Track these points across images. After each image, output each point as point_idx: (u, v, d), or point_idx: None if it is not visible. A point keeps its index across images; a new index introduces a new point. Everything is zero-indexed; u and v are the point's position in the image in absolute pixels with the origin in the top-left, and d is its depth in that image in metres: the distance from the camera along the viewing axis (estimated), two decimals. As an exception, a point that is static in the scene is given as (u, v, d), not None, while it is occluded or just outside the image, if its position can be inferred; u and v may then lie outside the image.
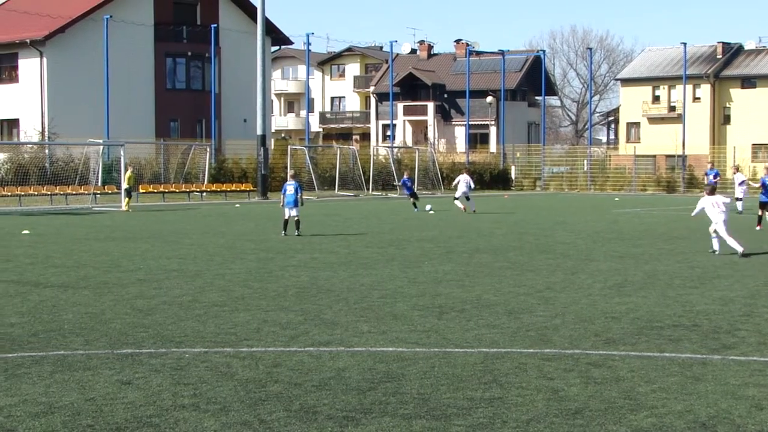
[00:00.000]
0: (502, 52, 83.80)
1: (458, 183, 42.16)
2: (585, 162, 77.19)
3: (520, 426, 8.40)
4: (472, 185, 43.56)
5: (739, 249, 22.48)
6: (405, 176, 47.35)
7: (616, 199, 58.82)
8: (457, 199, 41.87)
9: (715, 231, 22.99)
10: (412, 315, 14.06)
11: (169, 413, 8.71)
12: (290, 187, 28.27)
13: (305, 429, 8.28)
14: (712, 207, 22.93)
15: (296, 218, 28.20)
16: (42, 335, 12.39)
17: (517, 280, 18.17)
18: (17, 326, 13.03)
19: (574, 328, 13.08)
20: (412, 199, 43.84)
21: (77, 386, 9.65)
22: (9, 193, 47.75)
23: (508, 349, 11.64)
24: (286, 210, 28.23)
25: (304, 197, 28.72)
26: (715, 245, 23.21)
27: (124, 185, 44.15)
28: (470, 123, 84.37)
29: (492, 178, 74.70)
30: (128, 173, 44.64)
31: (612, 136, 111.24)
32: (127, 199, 43.51)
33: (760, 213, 31.78)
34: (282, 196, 28.53)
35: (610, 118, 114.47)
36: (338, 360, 10.97)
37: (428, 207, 40.97)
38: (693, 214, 24.40)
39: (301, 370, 10.45)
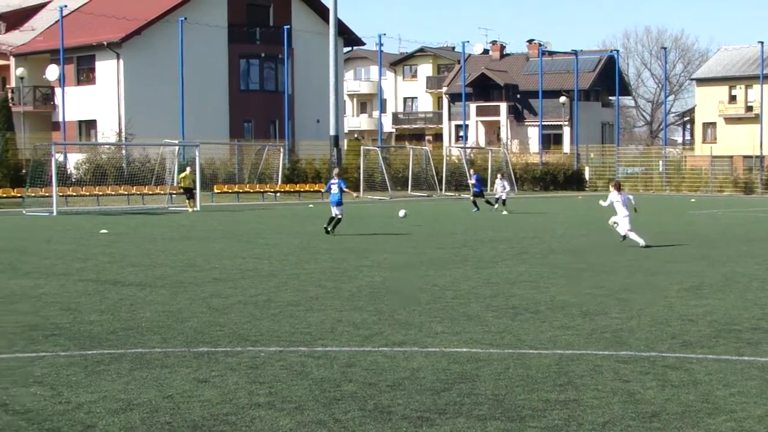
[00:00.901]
0: (575, 52, 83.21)
1: (495, 187, 43.28)
2: (660, 163, 76.33)
3: (595, 428, 8.34)
4: (507, 187, 43.83)
5: (641, 242, 24.63)
6: (473, 174, 46.79)
7: (693, 200, 58.10)
8: (502, 203, 42.46)
9: (615, 223, 25.59)
10: (486, 316, 14.02)
11: (245, 411, 8.78)
12: (334, 186, 28.46)
13: (380, 429, 8.30)
14: (619, 203, 25.19)
15: (338, 217, 28.30)
16: (120, 333, 12.57)
17: (592, 282, 18.02)
18: (96, 324, 13.23)
19: (650, 330, 12.94)
20: (473, 198, 43.64)
21: (155, 384, 9.78)
22: (87, 193, 48.49)
23: (583, 351, 11.56)
24: (332, 208, 28.39)
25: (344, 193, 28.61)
26: (634, 237, 24.99)
27: (181, 185, 44.04)
28: (543, 123, 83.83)
29: (566, 179, 74.19)
30: (183, 173, 44.47)
31: (687, 137, 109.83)
32: (188, 200, 43.63)
33: None
34: (328, 193, 28.93)
35: (686, 119, 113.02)
36: (412, 360, 10.98)
37: (402, 213, 33.45)
38: (604, 204, 26.25)
39: (376, 369, 10.47)
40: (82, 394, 9.36)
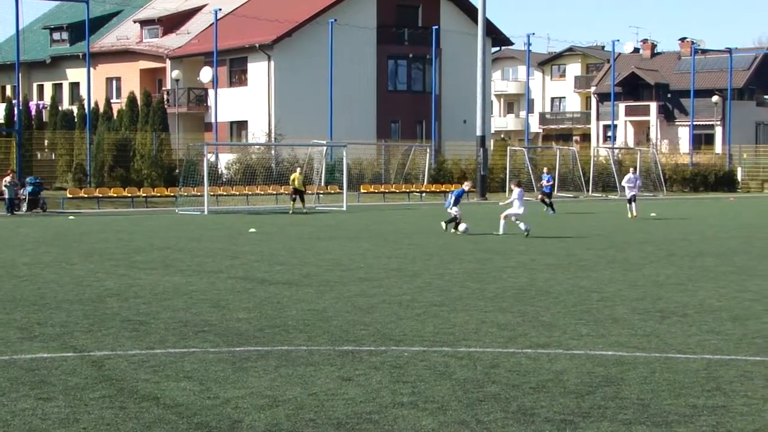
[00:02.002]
0: (729, 50, 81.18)
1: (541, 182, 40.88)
2: (817, 163, 73.91)
3: (744, 436, 8.15)
4: (639, 183, 41.78)
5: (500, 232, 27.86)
6: (546, 173, 44.35)
7: None
8: (548, 205, 40.78)
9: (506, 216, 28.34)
10: (632, 319, 13.82)
11: (388, 410, 8.84)
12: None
13: (522, 431, 8.26)
14: (518, 199, 28.11)
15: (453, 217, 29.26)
16: (267, 330, 12.79)
17: (742, 285, 17.58)
18: (244, 321, 13.50)
19: (803, 336, 12.56)
20: (545, 198, 42.02)
21: (300, 381, 9.93)
22: (237, 193, 49.51)
23: (732, 357, 11.28)
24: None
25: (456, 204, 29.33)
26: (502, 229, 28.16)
27: (292, 185, 42.61)
28: (695, 123, 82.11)
29: (717, 180, 72.49)
30: (294, 174, 43.31)
31: None
32: (292, 202, 42.47)
33: None
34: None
35: None
36: (556, 362, 10.90)
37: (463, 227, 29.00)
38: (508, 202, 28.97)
39: (519, 371, 10.43)
40: (229, 389, 9.57)
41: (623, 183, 39.81)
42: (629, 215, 37.22)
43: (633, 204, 37.56)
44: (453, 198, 29.18)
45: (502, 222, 28.67)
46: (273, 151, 58.20)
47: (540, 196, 43.29)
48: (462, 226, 28.62)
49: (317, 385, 9.77)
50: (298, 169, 44.30)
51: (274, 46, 65.47)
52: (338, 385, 9.78)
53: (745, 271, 19.84)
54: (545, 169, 46.23)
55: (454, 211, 28.99)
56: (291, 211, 41.68)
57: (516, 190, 28.58)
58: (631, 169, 41.56)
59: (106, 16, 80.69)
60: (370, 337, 12.37)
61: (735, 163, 75.94)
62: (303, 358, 11.07)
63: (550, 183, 43.25)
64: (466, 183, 32.97)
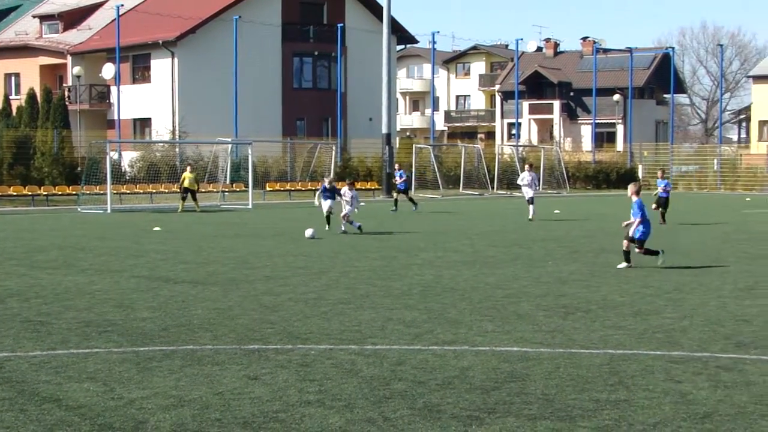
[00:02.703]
0: (629, 50, 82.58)
1: (523, 183, 35.35)
2: (715, 161, 75.58)
3: (646, 429, 8.28)
4: (537, 185, 37.26)
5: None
6: (398, 169, 43.06)
7: (748, 199, 57.43)
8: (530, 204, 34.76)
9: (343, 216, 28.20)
10: (537, 315, 13.97)
11: (295, 409, 8.81)
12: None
13: (429, 427, 8.29)
14: (344, 197, 28.33)
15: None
16: (172, 330, 12.67)
17: (644, 281, 17.89)
18: (149, 320, 13.35)
19: (702, 330, 12.82)
20: (403, 196, 41.42)
21: (206, 380, 9.84)
22: (141, 191, 48.92)
23: (634, 351, 11.47)
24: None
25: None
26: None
27: (182, 185, 41.10)
28: (597, 121, 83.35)
29: (618, 178, 73.70)
30: (184, 173, 41.70)
31: (743, 135, 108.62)
32: (181, 201, 40.90)
33: None
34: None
35: (742, 117, 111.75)
36: (462, 359, 10.96)
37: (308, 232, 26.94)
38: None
39: (426, 368, 10.47)
40: (134, 390, 9.44)
41: (519, 182, 36.17)
42: (529, 217, 34.39)
43: (532, 205, 34.56)
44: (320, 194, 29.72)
45: (342, 223, 28.59)
46: (177, 149, 57.65)
47: (395, 195, 42.45)
48: (308, 232, 26.83)
49: (223, 384, 9.70)
50: (188, 168, 42.35)
51: (177, 42, 64.84)
52: (244, 384, 9.72)
53: (646, 267, 20.17)
54: (396, 166, 45.18)
55: (325, 207, 29.13)
56: (180, 209, 40.50)
57: (349, 192, 28.68)
58: (527, 167, 36.59)
59: (4, 10, 79.13)
60: (276, 335, 12.32)
61: (636, 161, 77.27)
62: (209, 357, 10.98)
63: (404, 179, 42.30)
64: (334, 183, 31.69)
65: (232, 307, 14.52)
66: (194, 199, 40.82)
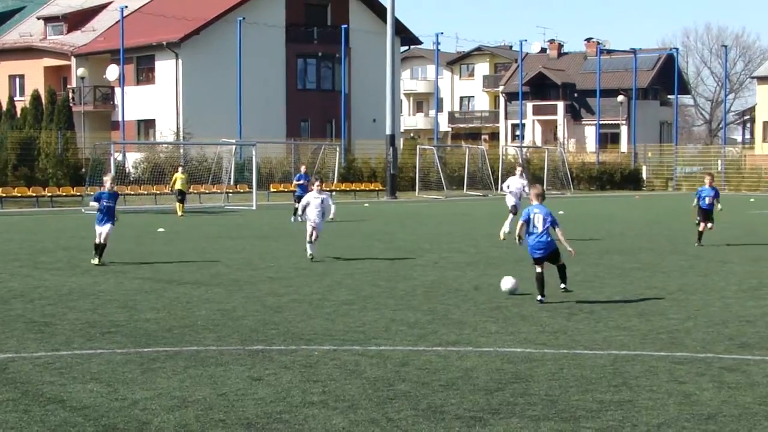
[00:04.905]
0: (633, 51, 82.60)
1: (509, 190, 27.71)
2: (719, 162, 75.53)
3: (650, 430, 8.28)
4: (527, 190, 24.55)
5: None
6: (304, 172, 36.88)
7: (752, 200, 57.37)
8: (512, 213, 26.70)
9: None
10: (541, 316, 13.96)
11: (299, 410, 8.81)
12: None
13: (432, 428, 8.29)
14: (311, 206, 21.40)
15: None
16: (176, 331, 12.67)
17: (648, 282, 17.88)
18: (152, 322, 13.35)
19: (706, 331, 12.82)
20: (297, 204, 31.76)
21: (210, 381, 9.84)
22: (145, 192, 48.93)
23: (638, 352, 11.47)
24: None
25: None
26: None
27: (174, 187, 39.48)
28: (601, 122, 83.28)
29: (622, 179, 73.71)
30: (175, 175, 39.73)
31: (747, 136, 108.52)
32: (179, 204, 38.89)
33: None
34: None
35: (746, 117, 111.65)
36: (466, 360, 10.96)
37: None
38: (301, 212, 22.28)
39: (429, 369, 10.47)
40: (137, 391, 9.45)
41: (505, 188, 28.13)
42: (503, 231, 26.38)
43: (511, 218, 26.22)
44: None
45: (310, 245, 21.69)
46: (181, 150, 57.66)
47: (295, 203, 34.37)
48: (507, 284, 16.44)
49: (227, 385, 9.70)
50: (180, 169, 40.75)
51: (181, 44, 64.88)
52: (248, 384, 9.72)
53: (650, 268, 20.18)
54: (302, 168, 38.06)
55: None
56: (180, 213, 38.38)
57: (318, 197, 21.94)
58: (519, 169, 29.10)
59: (9, 12, 79.21)
60: (280, 336, 12.32)
61: (640, 162, 77.28)
62: (212, 358, 10.99)
63: (301, 182, 35.52)
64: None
65: (235, 308, 14.53)
66: (182, 202, 39.09)
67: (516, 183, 27.36)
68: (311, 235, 21.35)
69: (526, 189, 25.27)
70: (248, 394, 9.33)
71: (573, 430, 8.27)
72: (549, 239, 15.21)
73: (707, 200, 25.19)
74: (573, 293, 15.62)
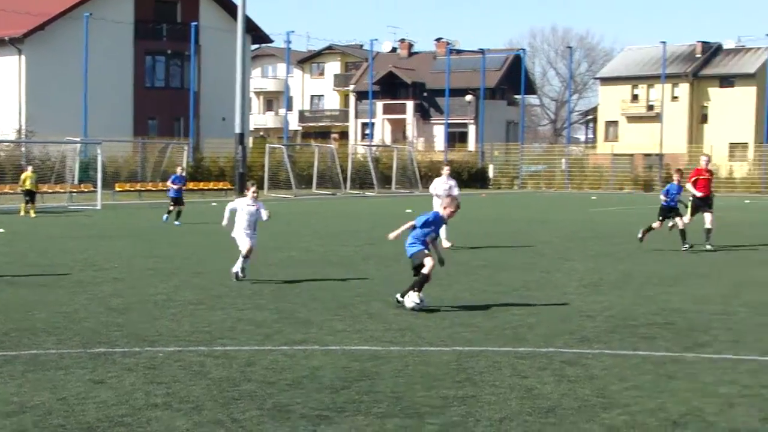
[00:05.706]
0: (482, 51, 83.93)
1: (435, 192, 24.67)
2: (563, 161, 77.40)
3: (493, 424, 8.40)
4: (455, 191, 23.74)
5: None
6: (178, 173, 34.80)
7: (593, 197, 58.95)
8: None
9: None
10: (388, 313, 14.04)
11: (141, 412, 8.66)
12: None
13: (278, 428, 8.25)
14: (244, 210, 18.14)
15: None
16: (14, 334, 12.30)
17: (493, 279, 18.18)
18: (-10, 325, 12.94)
19: (548, 326, 13.09)
20: (175, 207, 33.11)
21: (49, 386, 9.59)
22: (-15, 192, 47.45)
23: (482, 348, 11.63)
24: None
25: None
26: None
27: (22, 186, 37.91)
28: (449, 122, 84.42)
29: (470, 177, 74.80)
30: (24, 174, 38.27)
31: (590, 135, 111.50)
32: (27, 204, 37.43)
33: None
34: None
35: (589, 117, 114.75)
36: (312, 359, 10.95)
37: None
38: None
39: (275, 368, 10.42)
40: (-28, 396, 9.14)
41: (432, 190, 25.50)
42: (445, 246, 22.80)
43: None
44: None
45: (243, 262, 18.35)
46: (23, 149, 56.14)
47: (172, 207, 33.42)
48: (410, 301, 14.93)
49: (67, 389, 9.47)
50: (29, 168, 39.24)
51: (25, 39, 63.28)
52: (89, 388, 9.51)
53: (495, 265, 20.53)
54: (179, 170, 35.77)
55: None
56: (33, 214, 36.99)
57: (254, 205, 18.40)
58: (446, 169, 25.91)
59: None
60: (123, 338, 12.09)
61: (487, 161, 78.59)
62: (52, 362, 10.71)
63: (177, 186, 33.73)
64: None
65: (77, 310, 14.19)
66: (32, 201, 37.78)
67: (442, 185, 24.85)
68: (248, 249, 17.84)
69: (454, 190, 24.01)
70: (89, 398, 9.12)
71: (417, 426, 8.34)
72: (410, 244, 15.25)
73: (676, 198, 24.16)
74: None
